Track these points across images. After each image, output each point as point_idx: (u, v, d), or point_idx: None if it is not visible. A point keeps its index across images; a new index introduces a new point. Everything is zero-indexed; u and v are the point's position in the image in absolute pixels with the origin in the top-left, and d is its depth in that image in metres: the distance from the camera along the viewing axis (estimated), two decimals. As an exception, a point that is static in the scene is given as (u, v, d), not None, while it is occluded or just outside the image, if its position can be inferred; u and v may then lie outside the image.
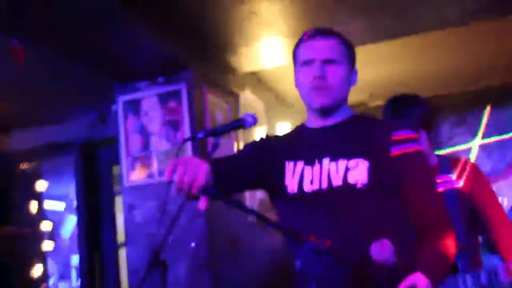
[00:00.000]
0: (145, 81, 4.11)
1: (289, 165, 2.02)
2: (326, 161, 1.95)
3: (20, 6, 3.11)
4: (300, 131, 2.14)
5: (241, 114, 4.51)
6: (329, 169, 1.93)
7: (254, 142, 2.17)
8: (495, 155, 6.04)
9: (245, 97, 4.74)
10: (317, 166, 1.96)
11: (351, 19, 3.99)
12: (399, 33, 4.29)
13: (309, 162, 1.98)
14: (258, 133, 4.72)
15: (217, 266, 3.93)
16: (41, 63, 3.92)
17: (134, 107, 4.13)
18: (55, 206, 6.50)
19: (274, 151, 2.09)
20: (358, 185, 1.87)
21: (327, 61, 1.97)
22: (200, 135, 2.03)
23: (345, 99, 2.05)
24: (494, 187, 2.86)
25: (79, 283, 5.44)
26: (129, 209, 4.10)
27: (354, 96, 5.98)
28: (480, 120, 6.12)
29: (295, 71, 2.08)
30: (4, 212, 5.32)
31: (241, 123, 1.95)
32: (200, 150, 3.90)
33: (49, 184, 5.70)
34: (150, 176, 4.02)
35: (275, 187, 2.04)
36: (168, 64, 3.98)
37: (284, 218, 2.05)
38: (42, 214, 5.54)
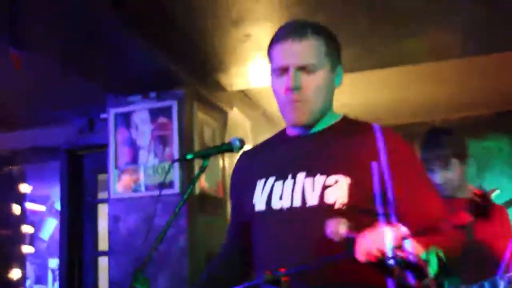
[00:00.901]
0: (138, 94, 4.16)
1: (259, 183, 1.83)
2: (301, 176, 1.74)
3: (19, 16, 3.17)
4: (277, 140, 1.94)
5: (229, 132, 4.60)
6: (303, 186, 1.72)
7: (231, 200, 2.07)
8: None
9: (233, 115, 4.80)
10: (289, 181, 1.75)
11: (344, 45, 4.05)
12: (391, 63, 4.35)
13: (281, 177, 1.78)
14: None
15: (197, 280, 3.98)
16: (32, 66, 3.94)
17: (125, 119, 4.17)
18: (36, 209, 6.49)
19: (245, 179, 1.92)
20: (337, 205, 1.65)
21: (302, 68, 1.71)
22: (189, 157, 2.09)
23: (327, 107, 1.80)
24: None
25: (55, 287, 5.44)
26: (114, 220, 4.13)
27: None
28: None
29: (271, 77, 1.82)
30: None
31: (229, 147, 1.95)
32: (187, 170, 3.96)
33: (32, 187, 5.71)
34: (136, 189, 4.06)
35: (246, 208, 1.86)
36: (160, 79, 4.03)
37: (255, 242, 1.84)
38: (24, 216, 5.55)
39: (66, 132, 5.14)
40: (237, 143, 2.02)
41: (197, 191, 4.02)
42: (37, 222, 5.94)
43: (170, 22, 3.61)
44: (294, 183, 1.75)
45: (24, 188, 5.55)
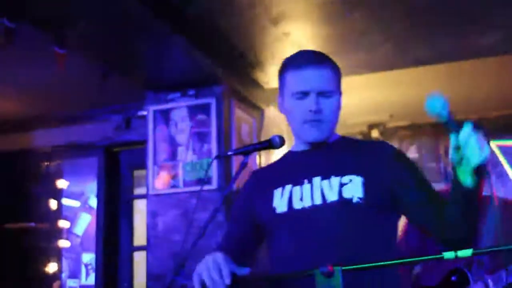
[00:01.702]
0: (176, 92, 4.22)
1: (277, 191, 1.94)
2: (317, 179, 1.88)
3: (64, 16, 3.24)
4: (285, 158, 2.08)
5: (265, 129, 4.64)
6: (321, 187, 1.86)
7: (237, 203, 2.14)
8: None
9: (270, 113, 4.84)
10: (306, 185, 1.89)
11: (380, 44, 4.06)
12: (426, 61, 4.36)
13: (298, 183, 1.90)
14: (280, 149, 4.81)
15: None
16: (72, 65, 4.01)
17: (164, 116, 4.24)
18: (71, 204, 6.59)
19: (260, 189, 2.02)
20: (355, 199, 1.80)
21: (322, 93, 1.87)
22: (230, 153, 2.14)
23: (335, 127, 1.99)
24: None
25: (88, 282, 5.52)
26: (152, 216, 4.20)
27: (374, 116, 6.11)
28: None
29: (283, 99, 1.97)
30: (25, 208, 5.43)
31: (270, 144, 1.99)
32: (225, 166, 4.01)
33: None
34: (174, 185, 4.12)
35: (264, 214, 1.96)
36: (199, 77, 4.09)
37: (275, 241, 1.95)
38: (61, 211, 5.65)
39: (103, 129, 5.22)
40: (277, 140, 2.05)
41: (234, 187, 4.06)
42: (71, 217, 6.02)
43: (209, 20, 3.66)
44: (312, 186, 1.88)
45: (61, 183, 5.64)
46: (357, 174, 1.84)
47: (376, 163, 1.87)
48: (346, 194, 1.81)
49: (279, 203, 1.90)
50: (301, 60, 1.92)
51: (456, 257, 1.46)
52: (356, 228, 1.79)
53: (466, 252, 1.47)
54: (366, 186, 1.81)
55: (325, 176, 1.87)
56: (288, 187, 1.91)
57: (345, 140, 2.02)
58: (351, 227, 1.79)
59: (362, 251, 1.73)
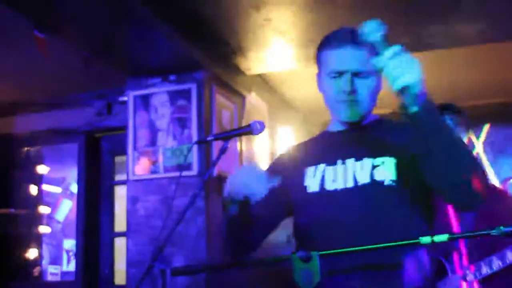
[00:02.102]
0: (157, 77, 4.20)
1: (309, 170, 1.95)
2: (350, 161, 1.89)
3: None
4: (321, 137, 2.10)
5: (246, 115, 4.63)
6: (354, 169, 1.87)
7: (273, 170, 2.04)
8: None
9: (251, 99, 4.83)
10: (340, 166, 1.90)
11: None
12: (410, 49, 4.35)
13: (331, 163, 1.92)
14: (260, 135, 4.81)
15: (215, 262, 4.02)
16: (53, 49, 3.97)
17: (144, 102, 4.22)
18: (51, 190, 6.55)
19: (293, 165, 2.02)
20: (386, 182, 1.81)
21: (357, 73, 1.87)
22: (209, 138, 2.13)
23: (373, 108, 1.97)
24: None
25: (70, 268, 5.49)
26: (132, 202, 4.19)
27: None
28: (478, 137, 6.22)
29: (320, 77, 1.99)
30: (5, 194, 5.39)
31: (249, 130, 2.00)
32: (205, 152, 4.00)
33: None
34: (155, 171, 4.11)
35: (294, 191, 1.96)
36: (180, 63, 4.07)
37: (304, 220, 1.95)
38: (41, 197, 5.61)
39: (85, 114, 5.18)
40: (257, 125, 2.05)
41: (214, 173, 4.06)
42: (52, 203, 5.98)
43: (191, 5, 3.63)
44: (345, 167, 1.89)
45: (42, 169, 5.60)
46: (390, 155, 1.85)
47: (407, 142, 1.81)
48: (378, 176, 1.82)
49: (311, 182, 1.93)
50: (338, 38, 1.92)
51: (433, 241, 1.47)
52: (389, 210, 1.80)
53: (442, 237, 1.47)
54: (398, 167, 1.82)
55: (359, 158, 1.88)
56: (321, 166, 1.94)
57: (381, 121, 2.02)
58: (383, 209, 1.80)
59: (394, 233, 1.67)
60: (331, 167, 1.92)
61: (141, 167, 4.16)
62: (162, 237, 1.95)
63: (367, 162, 1.86)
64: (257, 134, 2.08)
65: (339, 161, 1.91)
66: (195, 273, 1.77)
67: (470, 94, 5.73)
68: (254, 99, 4.87)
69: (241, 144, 4.54)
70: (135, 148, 4.18)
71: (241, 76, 4.63)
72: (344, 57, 1.88)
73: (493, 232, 1.44)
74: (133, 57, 3.99)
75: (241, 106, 4.69)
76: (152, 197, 4.12)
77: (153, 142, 4.15)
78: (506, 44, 4.41)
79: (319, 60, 1.99)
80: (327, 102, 1.98)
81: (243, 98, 4.72)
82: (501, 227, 1.43)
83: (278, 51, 4.23)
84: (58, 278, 5.44)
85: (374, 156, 1.86)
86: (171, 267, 1.75)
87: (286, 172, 2.00)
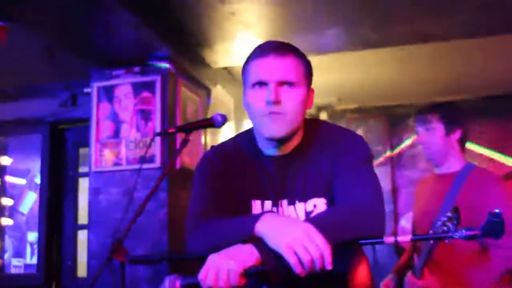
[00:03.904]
0: (121, 69, 4.16)
1: (255, 204, 1.85)
2: (284, 203, 1.82)
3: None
4: (254, 157, 1.90)
5: (212, 109, 4.62)
6: (289, 214, 1.80)
7: (215, 184, 1.91)
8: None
9: (217, 92, 4.82)
10: (279, 208, 1.81)
11: (329, 26, 4.07)
12: (374, 44, 4.38)
13: (275, 204, 1.83)
14: (226, 128, 4.81)
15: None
16: (17, 38, 3.92)
17: (108, 93, 4.18)
18: (16, 182, 6.46)
19: (235, 188, 1.87)
20: None
21: (283, 83, 1.74)
22: (171, 131, 2.11)
23: (300, 125, 1.83)
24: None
25: (33, 261, 5.43)
26: (94, 193, 4.15)
27: (322, 99, 6.15)
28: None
29: (245, 92, 1.85)
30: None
31: (211, 122, 1.99)
32: (169, 144, 3.98)
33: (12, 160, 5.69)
34: (117, 163, 4.08)
35: (241, 209, 1.84)
36: (145, 54, 4.04)
37: None
38: (4, 189, 5.53)
39: (49, 105, 5.13)
40: (219, 118, 2.04)
41: (178, 165, 4.04)
42: (16, 195, 5.90)
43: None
44: (283, 211, 1.81)
45: (5, 160, 5.52)
46: (320, 195, 1.78)
47: (331, 178, 1.77)
48: None
49: None
50: (263, 49, 1.80)
51: (396, 242, 1.49)
52: None
53: (405, 238, 1.50)
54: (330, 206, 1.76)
55: (291, 201, 1.81)
56: (267, 204, 1.83)
57: (310, 146, 1.85)
58: None
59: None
60: (275, 208, 1.82)
61: (103, 159, 4.12)
62: (122, 229, 1.93)
63: (300, 207, 1.79)
64: (219, 127, 2.08)
65: (279, 202, 1.81)
66: (153, 262, 1.75)
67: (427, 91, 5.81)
68: (220, 93, 4.86)
69: (206, 138, 4.52)
70: (97, 139, 4.15)
71: (207, 69, 4.61)
72: (267, 66, 1.75)
73: (456, 236, 1.46)
74: (97, 47, 3.95)
75: (207, 99, 4.68)
76: (114, 189, 4.09)
77: (116, 134, 4.11)
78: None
79: (244, 76, 1.85)
80: (251, 118, 1.83)
81: (208, 91, 4.70)
82: (464, 230, 1.45)
83: (245, 45, 4.22)
84: (21, 271, 5.37)
85: (305, 198, 1.78)
86: (130, 256, 1.72)
87: (229, 189, 1.87)
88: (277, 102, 1.72)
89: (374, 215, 1.63)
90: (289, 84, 1.74)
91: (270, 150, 1.86)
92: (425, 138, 2.97)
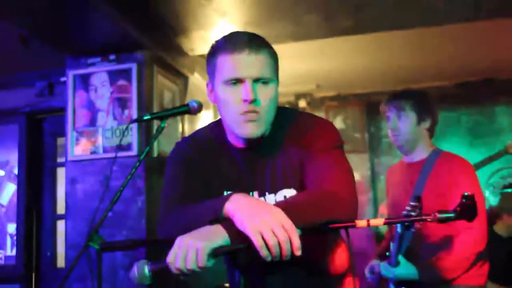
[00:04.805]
0: (97, 57, 4.13)
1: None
2: (255, 195, 1.81)
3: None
4: (224, 149, 1.88)
5: (189, 96, 4.61)
6: None
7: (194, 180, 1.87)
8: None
9: (194, 80, 4.81)
10: None
11: (307, 13, 4.07)
12: (353, 31, 4.39)
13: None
14: (204, 116, 4.80)
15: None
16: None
17: (83, 81, 4.15)
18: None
19: (204, 175, 1.85)
20: None
21: (258, 80, 1.69)
22: (146, 118, 2.11)
23: (273, 120, 1.79)
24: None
25: (14, 252, 5.41)
26: (71, 182, 4.13)
27: (301, 86, 6.16)
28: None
29: (214, 86, 1.77)
30: None
31: (187, 109, 2.00)
32: (145, 132, 3.97)
33: (-10, 151, 5.64)
34: (94, 151, 4.06)
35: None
36: (121, 42, 4.01)
37: None
38: (-19, 180, 5.49)
39: (25, 95, 5.08)
40: (195, 105, 2.04)
41: (155, 153, 4.03)
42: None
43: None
44: None
45: (-18, 151, 5.48)
46: (289, 187, 1.78)
47: (300, 169, 1.77)
48: None
49: None
50: (235, 42, 1.71)
51: (369, 225, 1.49)
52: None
53: (378, 221, 1.49)
54: None
55: (261, 193, 1.80)
56: None
57: (285, 132, 1.83)
58: None
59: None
60: None
61: (80, 148, 4.10)
62: (99, 218, 1.93)
63: (270, 199, 1.78)
64: (195, 114, 2.08)
65: (249, 193, 1.79)
66: (124, 248, 1.74)
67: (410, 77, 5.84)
68: (197, 80, 4.85)
69: (183, 126, 4.51)
70: (74, 128, 4.12)
71: (184, 56, 4.60)
72: (243, 63, 1.68)
73: (429, 219, 1.46)
74: (72, 35, 3.91)
75: (184, 87, 4.67)
76: (91, 178, 4.08)
77: (92, 122, 4.09)
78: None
79: (211, 66, 1.77)
80: (223, 115, 1.78)
81: (185, 78, 4.69)
82: (437, 213, 1.45)
83: (221, 32, 4.20)
84: (1, 263, 5.34)
85: (275, 190, 1.78)
86: (101, 243, 1.73)
87: (201, 179, 1.85)
88: (253, 100, 1.68)
89: (344, 198, 1.62)
90: (264, 81, 1.70)
91: (239, 143, 1.83)
92: (396, 125, 2.97)
